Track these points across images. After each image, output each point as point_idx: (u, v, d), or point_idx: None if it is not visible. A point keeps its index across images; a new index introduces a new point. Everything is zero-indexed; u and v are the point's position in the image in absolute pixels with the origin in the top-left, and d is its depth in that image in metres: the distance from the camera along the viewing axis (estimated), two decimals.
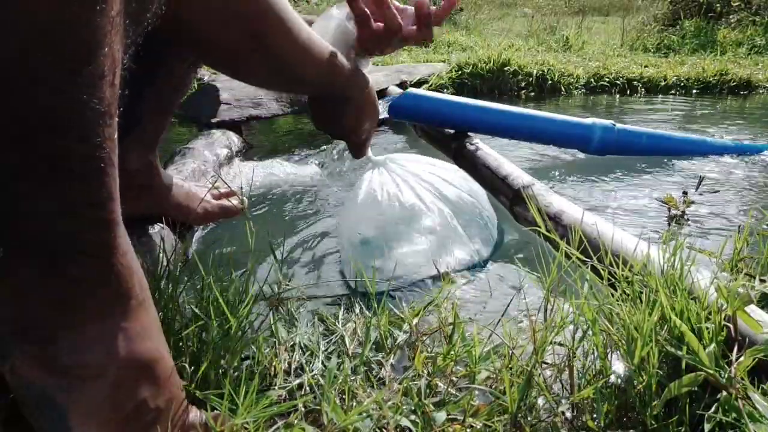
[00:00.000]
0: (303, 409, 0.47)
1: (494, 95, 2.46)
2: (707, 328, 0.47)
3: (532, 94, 2.55)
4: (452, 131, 1.38)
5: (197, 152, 1.16)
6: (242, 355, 0.53)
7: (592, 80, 2.68)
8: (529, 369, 0.48)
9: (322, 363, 0.53)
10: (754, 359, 0.43)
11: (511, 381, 0.48)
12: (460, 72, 2.48)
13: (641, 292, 0.51)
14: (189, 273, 0.64)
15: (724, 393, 0.42)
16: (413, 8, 0.73)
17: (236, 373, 0.50)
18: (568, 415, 0.48)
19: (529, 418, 0.47)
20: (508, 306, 0.60)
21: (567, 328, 0.51)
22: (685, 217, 1.02)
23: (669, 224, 1.00)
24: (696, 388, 0.44)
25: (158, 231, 0.76)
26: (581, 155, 1.43)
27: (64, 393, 0.35)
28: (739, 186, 1.24)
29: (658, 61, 3.27)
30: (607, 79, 2.69)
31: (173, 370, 0.41)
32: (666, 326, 0.48)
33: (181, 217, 0.81)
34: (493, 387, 0.51)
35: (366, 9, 0.71)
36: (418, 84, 2.14)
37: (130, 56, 0.37)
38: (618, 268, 0.56)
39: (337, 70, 0.68)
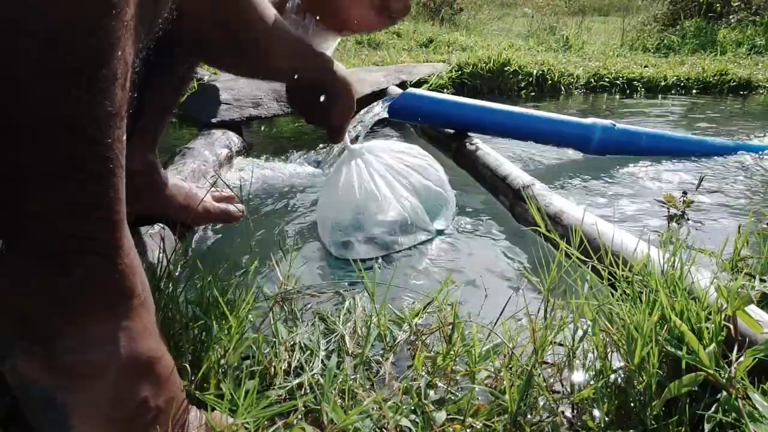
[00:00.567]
0: (303, 408, 0.47)
1: (494, 95, 2.46)
2: (707, 328, 0.47)
3: (532, 94, 2.55)
4: (452, 131, 1.38)
5: (197, 152, 1.15)
6: (242, 355, 0.53)
7: (592, 80, 2.68)
8: (529, 369, 0.48)
9: (322, 362, 0.53)
10: (754, 359, 0.43)
11: (511, 381, 0.48)
12: (460, 72, 2.48)
13: (641, 292, 0.51)
14: (189, 273, 0.64)
15: (724, 393, 0.42)
16: None
17: (236, 373, 0.50)
18: (569, 414, 0.48)
19: (529, 418, 0.47)
20: (505, 306, 0.60)
21: (567, 327, 0.51)
22: (685, 217, 1.02)
23: (669, 224, 1.00)
24: (696, 388, 0.44)
25: (158, 231, 0.76)
26: (581, 155, 1.43)
27: (65, 392, 0.35)
28: (739, 186, 1.24)
29: (658, 61, 3.27)
30: (607, 79, 2.69)
31: (173, 369, 0.41)
32: (666, 326, 0.48)
33: (181, 218, 0.81)
34: (494, 387, 0.51)
35: None
36: (418, 84, 2.14)
37: (141, 60, 0.37)
38: (618, 268, 0.56)
39: (304, 56, 0.72)
